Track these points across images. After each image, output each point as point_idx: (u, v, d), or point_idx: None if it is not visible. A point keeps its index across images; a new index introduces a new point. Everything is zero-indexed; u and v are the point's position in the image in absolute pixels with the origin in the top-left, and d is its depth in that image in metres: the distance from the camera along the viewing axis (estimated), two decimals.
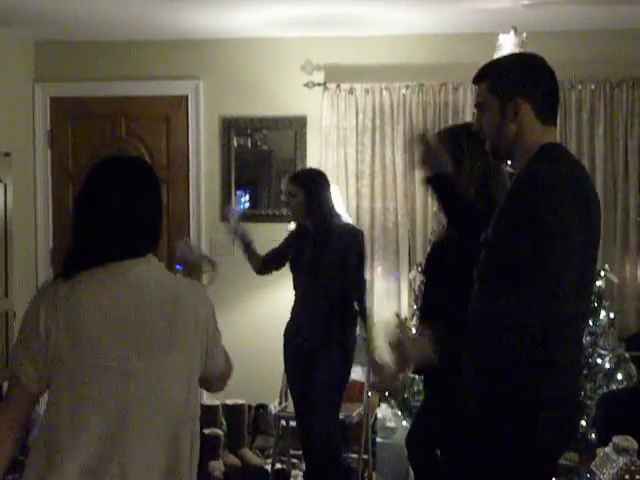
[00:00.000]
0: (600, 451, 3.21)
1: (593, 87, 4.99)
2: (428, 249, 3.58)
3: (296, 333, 4.03)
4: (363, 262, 4.04)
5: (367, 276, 4.14)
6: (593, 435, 3.82)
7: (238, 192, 4.41)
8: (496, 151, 2.27)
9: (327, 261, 3.88)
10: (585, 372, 3.95)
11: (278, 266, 4.20)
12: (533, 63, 2.24)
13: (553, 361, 2.09)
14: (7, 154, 4.77)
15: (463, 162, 2.99)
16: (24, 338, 1.91)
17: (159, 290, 1.95)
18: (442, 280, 3.08)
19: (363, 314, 3.98)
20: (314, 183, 3.97)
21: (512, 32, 4.06)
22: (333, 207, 4.04)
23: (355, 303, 4.00)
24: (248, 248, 4.16)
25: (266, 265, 4.19)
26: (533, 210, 2.02)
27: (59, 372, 1.87)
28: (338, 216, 4.06)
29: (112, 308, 1.89)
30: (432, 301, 3.19)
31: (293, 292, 4.09)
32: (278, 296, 4.66)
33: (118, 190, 1.95)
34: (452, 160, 3.02)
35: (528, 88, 2.17)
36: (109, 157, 2.14)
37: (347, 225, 4.11)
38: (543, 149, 2.17)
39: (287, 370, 4.15)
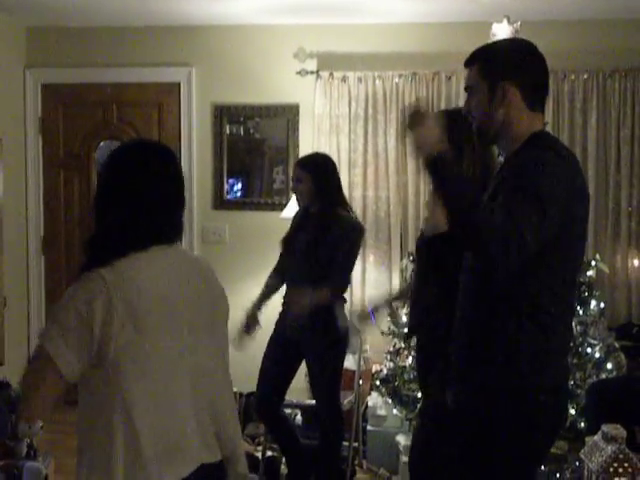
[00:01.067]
0: (589, 439, 3.22)
1: (586, 77, 4.99)
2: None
3: (283, 318, 4.02)
4: (351, 257, 3.96)
5: (351, 273, 4.07)
6: (582, 424, 3.84)
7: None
8: (482, 134, 2.28)
9: (323, 250, 3.85)
10: (575, 361, 3.97)
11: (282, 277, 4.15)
12: (524, 49, 2.24)
13: (545, 341, 2.12)
14: None
15: (462, 149, 2.98)
16: (69, 331, 1.84)
17: (195, 270, 2.07)
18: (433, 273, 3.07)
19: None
20: (321, 169, 3.93)
21: (505, 21, 4.05)
22: (341, 194, 4.00)
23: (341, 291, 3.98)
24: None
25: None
26: (533, 187, 2.02)
27: (122, 360, 1.86)
28: (345, 205, 4.01)
29: (164, 289, 1.94)
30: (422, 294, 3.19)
31: (285, 278, 4.07)
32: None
33: (157, 175, 2.00)
34: (451, 145, 3.01)
35: (517, 73, 2.18)
36: (138, 141, 2.19)
37: (351, 218, 3.98)
38: (536, 136, 2.17)
39: (266, 353, 4.08)
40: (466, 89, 2.30)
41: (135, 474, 1.87)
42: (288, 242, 4.04)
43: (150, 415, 1.90)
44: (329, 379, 3.97)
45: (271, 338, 4.08)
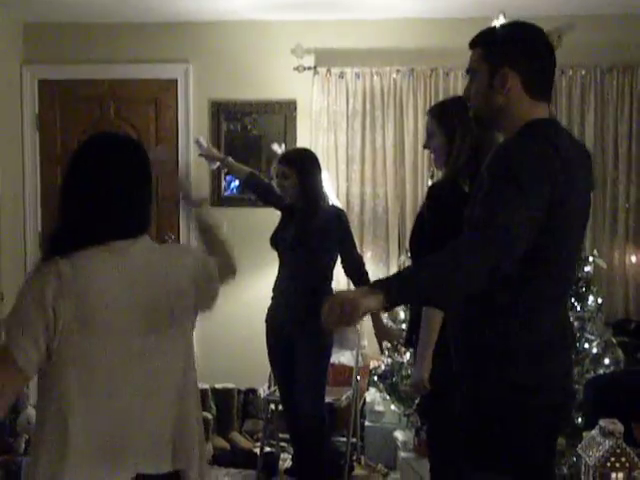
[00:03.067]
0: (586, 434, 3.22)
1: (583, 73, 5.00)
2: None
3: (276, 315, 4.03)
4: (352, 240, 4.04)
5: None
6: (580, 419, 3.84)
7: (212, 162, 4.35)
8: (479, 118, 2.22)
9: (310, 242, 3.86)
10: (573, 357, 3.98)
11: (264, 193, 4.25)
12: (530, 35, 2.15)
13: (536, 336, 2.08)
14: None
15: (455, 134, 2.99)
16: (24, 319, 1.84)
17: (155, 267, 1.99)
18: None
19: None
20: (306, 164, 3.94)
21: (501, 17, 4.05)
22: (322, 188, 4.03)
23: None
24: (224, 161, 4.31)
25: (251, 180, 4.25)
26: (505, 171, 1.98)
27: (64, 353, 1.85)
28: (325, 197, 4.05)
29: (118, 288, 1.90)
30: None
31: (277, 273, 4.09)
32: (265, 280, 4.64)
33: (121, 168, 1.96)
34: (444, 134, 3.02)
35: (519, 59, 2.09)
36: (105, 134, 2.17)
37: (331, 207, 4.06)
38: (527, 125, 2.10)
39: (269, 353, 4.12)
40: (468, 72, 2.23)
41: (62, 467, 1.83)
42: (276, 240, 4.06)
43: (86, 416, 1.85)
44: (318, 372, 3.95)
45: (270, 338, 4.08)
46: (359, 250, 4.18)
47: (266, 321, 4.09)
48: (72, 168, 1.97)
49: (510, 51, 2.11)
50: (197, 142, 4.33)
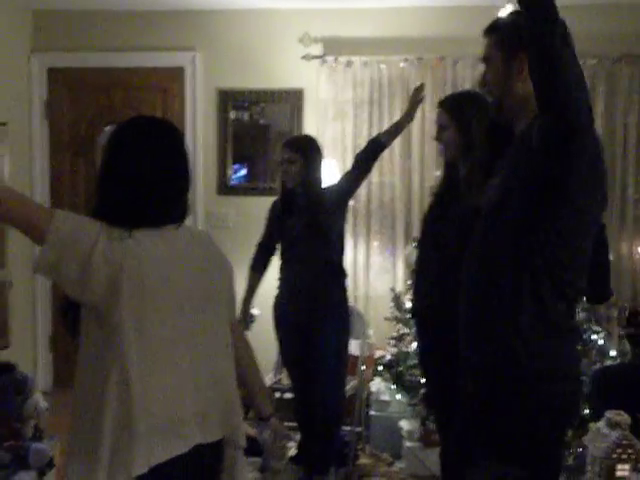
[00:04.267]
0: (593, 426, 3.23)
1: (594, 62, 4.97)
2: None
3: (286, 303, 4.02)
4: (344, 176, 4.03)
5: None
6: (586, 410, 3.84)
7: None
8: (499, 109, 2.17)
9: (323, 225, 3.87)
10: (579, 348, 3.97)
11: (273, 252, 4.18)
12: None
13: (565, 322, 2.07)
14: (3, 124, 4.76)
15: (470, 128, 2.97)
16: (72, 240, 1.83)
17: (199, 250, 2.06)
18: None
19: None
20: (312, 150, 3.95)
21: (509, 5, 4.02)
22: (322, 174, 4.02)
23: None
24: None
25: (265, 265, 4.20)
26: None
27: (126, 327, 1.85)
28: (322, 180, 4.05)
29: (171, 269, 1.94)
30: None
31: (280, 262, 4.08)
32: (272, 268, 4.65)
33: (173, 154, 2.00)
34: (458, 128, 3.00)
35: None
36: (151, 118, 2.14)
37: (330, 187, 4.02)
38: None
39: (280, 341, 4.13)
40: (482, 60, 2.19)
41: (122, 449, 1.83)
42: (279, 229, 4.04)
43: (147, 387, 1.86)
44: (335, 359, 3.94)
45: (282, 325, 4.07)
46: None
47: (275, 310, 4.08)
48: (122, 149, 1.97)
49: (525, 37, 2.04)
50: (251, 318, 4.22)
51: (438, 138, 3.16)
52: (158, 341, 1.90)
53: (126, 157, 1.96)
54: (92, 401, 1.87)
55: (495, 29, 2.15)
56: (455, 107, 3.05)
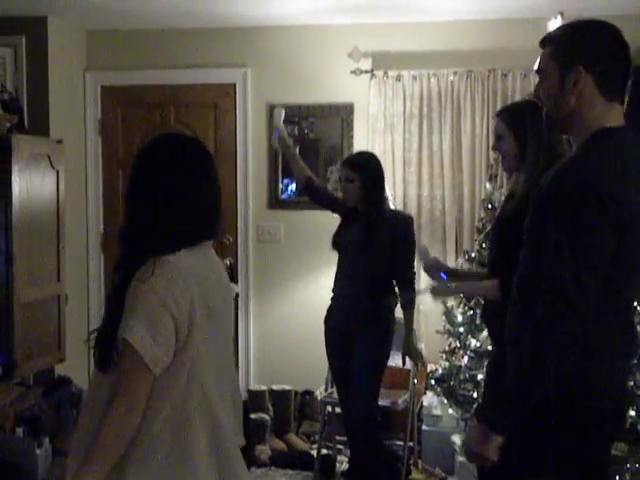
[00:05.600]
0: None
1: None
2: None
3: (335, 316, 4.06)
4: (411, 249, 4.02)
5: (415, 263, 4.07)
6: None
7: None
8: (551, 123, 2.14)
9: (376, 243, 3.90)
10: (636, 362, 3.89)
11: (320, 198, 4.30)
12: (604, 32, 2.06)
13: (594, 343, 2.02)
14: (59, 141, 4.86)
15: (527, 144, 2.94)
16: (154, 323, 1.83)
17: (217, 267, 2.13)
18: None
19: (405, 303, 4.01)
20: (371, 168, 3.99)
21: (559, 17, 4.00)
22: (385, 192, 4.07)
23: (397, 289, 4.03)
24: (288, 149, 4.41)
25: (310, 186, 4.30)
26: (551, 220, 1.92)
27: (201, 349, 1.92)
28: (387, 200, 4.10)
29: (209, 284, 2.00)
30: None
31: (335, 274, 4.13)
32: (323, 281, 4.67)
33: (203, 170, 2.03)
34: (514, 138, 2.98)
35: (592, 57, 2.01)
36: (176, 135, 2.22)
37: (397, 211, 4.12)
38: (596, 136, 2.01)
39: (328, 352, 4.16)
40: (537, 71, 2.15)
41: (220, 462, 1.93)
42: (338, 239, 4.09)
43: (220, 402, 1.98)
44: (373, 372, 3.97)
45: (330, 337, 4.11)
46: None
47: (325, 322, 4.12)
48: (155, 168, 1.97)
49: (582, 49, 2.03)
50: (275, 112, 4.40)
51: (496, 147, 3.15)
52: (212, 358, 1.99)
53: (153, 176, 1.96)
54: (176, 427, 1.89)
55: (551, 39, 2.11)
56: (513, 116, 3.04)
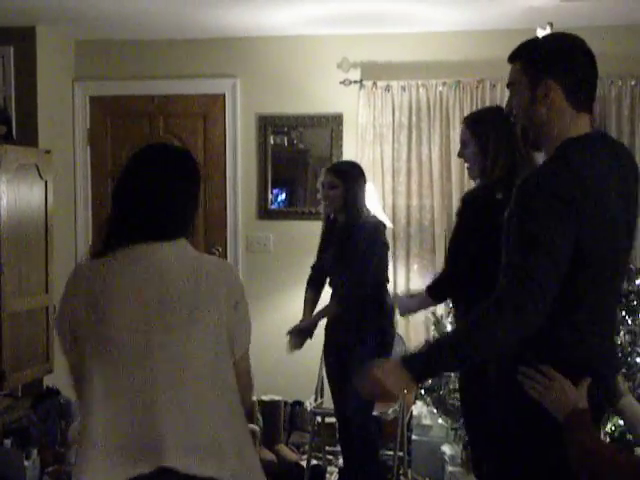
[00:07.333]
0: (639, 450, 3.19)
1: (633, 83, 4.93)
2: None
3: (332, 328, 4.05)
4: (364, 254, 3.88)
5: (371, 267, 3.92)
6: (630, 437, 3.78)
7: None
8: (526, 135, 2.17)
9: (352, 255, 3.87)
10: (624, 371, 3.91)
11: (325, 273, 4.17)
12: (570, 44, 2.11)
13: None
14: (48, 151, 4.84)
15: (488, 147, 2.96)
16: (59, 315, 2.13)
17: (180, 268, 2.02)
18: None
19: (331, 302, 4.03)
20: (354, 176, 3.97)
21: (548, 28, 4.02)
22: (365, 202, 4.01)
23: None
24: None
25: (320, 282, 4.18)
26: (524, 226, 1.98)
27: (84, 350, 2.01)
28: (368, 210, 4.02)
29: (134, 287, 1.98)
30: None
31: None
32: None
33: (149, 174, 2.05)
34: (477, 143, 3.00)
35: (561, 69, 2.06)
36: (150, 144, 2.24)
37: (371, 219, 4.00)
38: (562, 147, 2.05)
39: (326, 364, 4.17)
40: (508, 86, 2.20)
41: (83, 465, 1.94)
42: (321, 259, 4.10)
43: (107, 412, 1.93)
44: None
45: (327, 349, 4.12)
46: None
47: (325, 329, 4.10)
48: (118, 177, 2.15)
49: (550, 62, 2.07)
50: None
51: (460, 154, 3.17)
52: (120, 361, 1.99)
53: (116, 183, 2.13)
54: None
55: (519, 54, 2.16)
56: (475, 122, 3.05)
